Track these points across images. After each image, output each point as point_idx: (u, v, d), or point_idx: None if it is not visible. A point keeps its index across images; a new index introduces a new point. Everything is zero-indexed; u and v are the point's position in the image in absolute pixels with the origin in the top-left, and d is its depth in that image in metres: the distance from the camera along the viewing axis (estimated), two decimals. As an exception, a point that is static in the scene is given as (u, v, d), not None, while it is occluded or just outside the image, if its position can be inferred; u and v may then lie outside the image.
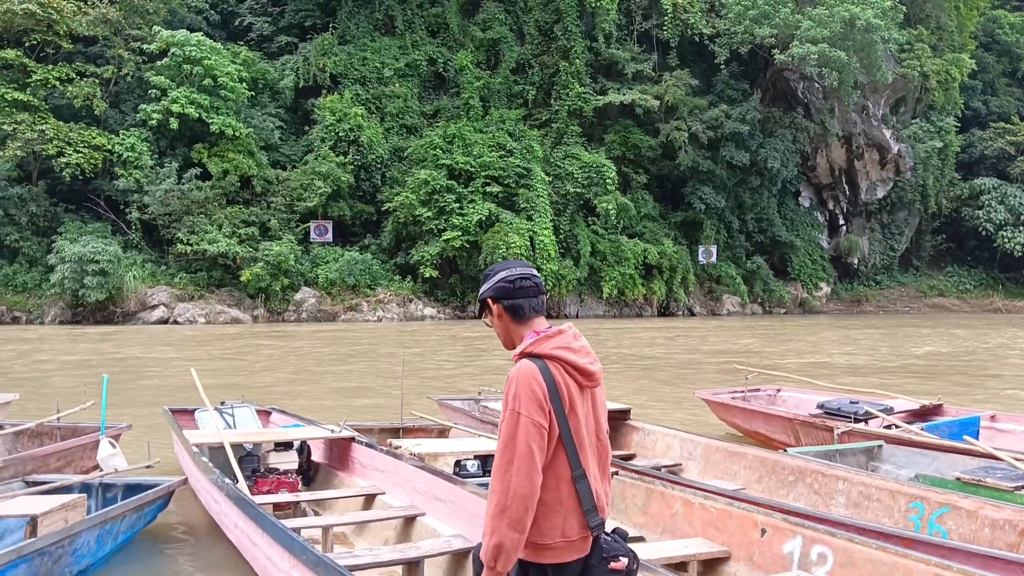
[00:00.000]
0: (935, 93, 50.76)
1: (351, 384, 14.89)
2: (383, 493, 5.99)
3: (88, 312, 32.31)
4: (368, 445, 6.59)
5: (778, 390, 10.18)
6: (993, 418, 8.25)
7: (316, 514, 6.11)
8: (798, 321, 39.38)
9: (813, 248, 49.85)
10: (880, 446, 7.07)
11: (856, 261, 52.23)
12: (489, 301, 2.64)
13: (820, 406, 8.50)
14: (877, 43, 41.22)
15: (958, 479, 5.76)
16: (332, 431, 6.88)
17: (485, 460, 6.12)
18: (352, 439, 6.75)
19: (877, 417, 7.85)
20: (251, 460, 6.66)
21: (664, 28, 43.96)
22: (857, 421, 7.81)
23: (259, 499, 5.59)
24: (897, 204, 52.77)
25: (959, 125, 53.37)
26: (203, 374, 8.44)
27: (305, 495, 6.21)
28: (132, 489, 5.79)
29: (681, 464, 7.15)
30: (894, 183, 51.71)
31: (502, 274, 2.64)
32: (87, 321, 32.07)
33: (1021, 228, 50.56)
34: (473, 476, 5.88)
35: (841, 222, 52.35)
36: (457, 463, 6.19)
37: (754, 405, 9.26)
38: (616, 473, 5.99)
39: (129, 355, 19.93)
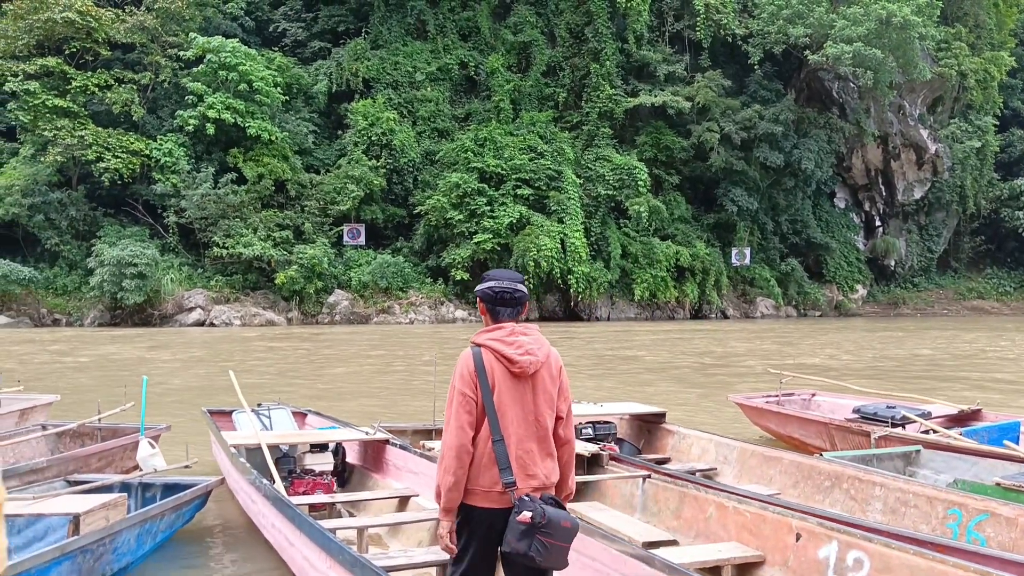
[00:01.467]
0: (973, 92, 49.89)
1: (384, 386, 14.99)
2: (417, 495, 6.02)
3: (126, 314, 32.86)
4: (402, 447, 6.63)
5: (813, 394, 10.07)
6: (1034, 423, 8.09)
7: (351, 515, 6.14)
8: (833, 324, 38.90)
9: (849, 250, 49.21)
10: (918, 451, 6.98)
11: (893, 263, 51.47)
12: (478, 298, 3.39)
13: (856, 410, 8.39)
14: (914, 41, 40.62)
15: (998, 484, 5.67)
16: (366, 433, 6.93)
17: (595, 425, 6.90)
18: (386, 441, 6.79)
19: (914, 422, 7.74)
20: (287, 461, 6.74)
21: (696, 29, 43.71)
22: (894, 426, 7.71)
23: (295, 500, 5.63)
24: (935, 205, 51.92)
25: (998, 124, 52.45)
26: (239, 376, 8.56)
27: (340, 496, 6.26)
28: (170, 489, 5.88)
29: (716, 468, 7.10)
30: (931, 184, 50.89)
31: (492, 283, 3.34)
32: (125, 323, 32.61)
33: (1063, 229, 49.54)
34: None
35: (877, 223, 51.61)
36: None
37: (789, 409, 9.17)
38: (649, 477, 5.99)
39: (167, 357, 20.24)
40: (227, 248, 34.12)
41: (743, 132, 42.24)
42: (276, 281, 34.25)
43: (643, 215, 38.93)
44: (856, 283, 48.82)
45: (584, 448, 6.65)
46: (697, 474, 6.68)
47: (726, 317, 42.86)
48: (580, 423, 7.54)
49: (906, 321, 42.44)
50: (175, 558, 5.51)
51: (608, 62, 42.37)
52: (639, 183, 39.29)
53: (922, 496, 5.66)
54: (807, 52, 41.84)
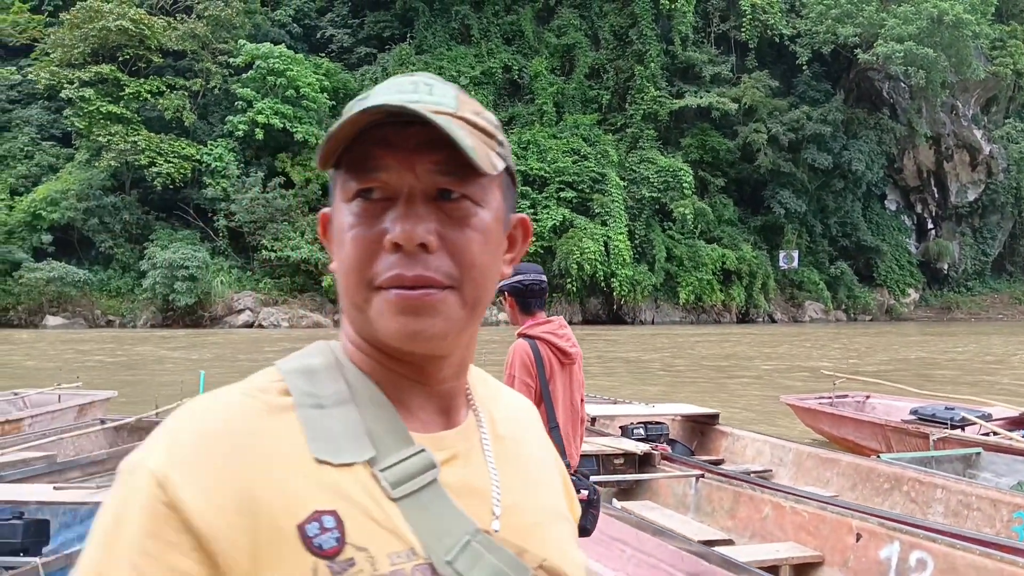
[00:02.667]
0: (1030, 91, 48.68)
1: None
2: None
3: (178, 316, 33.50)
4: None
5: (867, 396, 9.87)
6: (1100, 426, 7.84)
7: None
8: (884, 328, 38.15)
9: (900, 253, 48.26)
10: (978, 453, 6.80)
11: (946, 266, 50.34)
12: (506, 293, 3.40)
13: (914, 412, 8.21)
14: (967, 39, 39.76)
15: (1066, 488, 5.50)
16: None
17: (646, 425, 7.26)
18: None
19: (975, 424, 7.54)
20: None
21: (742, 30, 43.29)
22: (953, 428, 7.52)
23: None
24: (989, 207, 50.69)
25: (1056, 124, 51.04)
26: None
27: None
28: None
29: (771, 470, 6.98)
30: (986, 185, 49.69)
31: (520, 277, 3.39)
32: (176, 325, 33.24)
33: (1125, 231, 48.01)
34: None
35: (930, 226, 50.53)
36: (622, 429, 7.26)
37: (843, 411, 9.00)
38: (702, 476, 5.92)
39: (216, 357, 20.58)
40: (275, 251, 34.63)
41: (791, 133, 41.69)
42: (323, 284, 34.66)
43: (688, 217, 38.63)
44: (908, 287, 47.86)
45: (636, 447, 6.59)
46: (752, 475, 6.58)
47: (774, 321, 42.29)
48: (632, 423, 7.50)
49: (959, 326, 41.46)
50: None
51: (653, 64, 42.14)
52: (684, 185, 38.99)
53: (986, 499, 5.51)
54: (857, 51, 41.17)
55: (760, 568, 4.51)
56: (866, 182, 45.76)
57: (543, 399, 3.26)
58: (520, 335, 3.35)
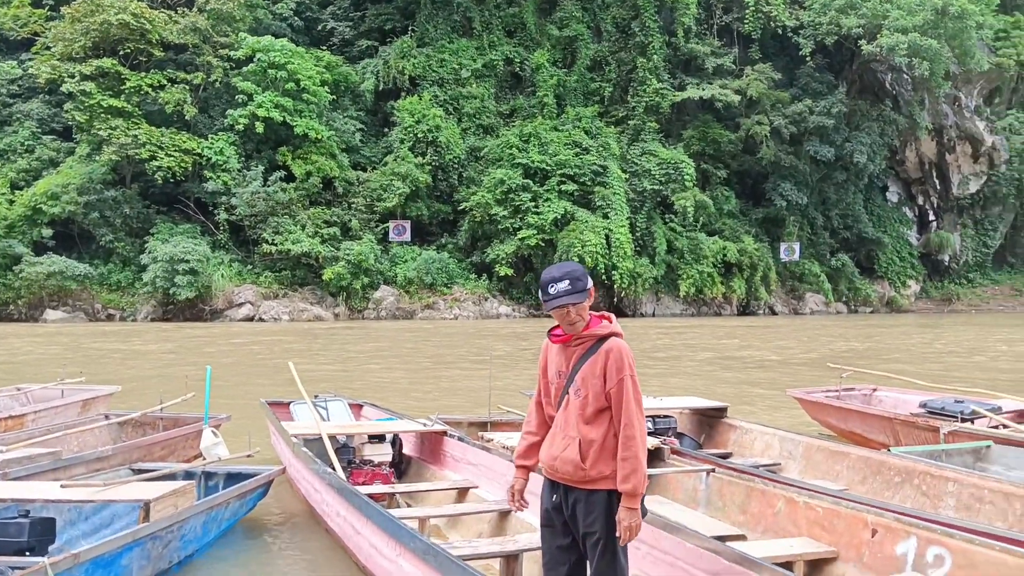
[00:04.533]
0: (1032, 82, 48.46)
1: (434, 378, 15.01)
2: (476, 487, 5.99)
3: (178, 310, 33.46)
4: (460, 439, 6.61)
5: (874, 389, 9.82)
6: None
7: (408, 506, 6.14)
8: (886, 320, 38.10)
9: (901, 245, 48.16)
10: (988, 446, 6.75)
11: (947, 258, 50.24)
12: (593, 289, 3.35)
13: (923, 405, 8.16)
14: (971, 30, 39.62)
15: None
16: (424, 424, 6.93)
17: (654, 419, 7.00)
18: (444, 433, 6.79)
19: (984, 417, 7.49)
20: (346, 452, 6.77)
21: (745, 21, 43.10)
22: (963, 421, 7.47)
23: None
24: (991, 199, 50.54)
25: (1058, 115, 50.82)
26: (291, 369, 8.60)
27: (399, 487, 6.26)
28: (233, 477, 5.92)
29: (780, 464, 6.94)
30: (988, 177, 49.53)
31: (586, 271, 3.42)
32: (177, 318, 33.20)
33: None
34: None
35: (931, 218, 50.42)
36: None
37: (850, 404, 8.95)
38: (713, 470, 5.87)
39: (219, 350, 20.55)
40: (276, 245, 34.56)
41: (793, 126, 41.54)
42: (323, 277, 34.60)
43: (689, 210, 38.53)
44: (909, 279, 47.78)
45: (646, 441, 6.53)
46: (761, 469, 6.53)
47: (774, 313, 42.24)
48: (639, 416, 7.42)
49: (962, 317, 41.40)
50: (238, 546, 5.55)
51: (655, 56, 41.98)
52: (685, 177, 38.88)
53: (998, 492, 5.46)
54: (861, 43, 40.99)
55: (774, 564, 4.47)
56: (868, 174, 45.63)
57: None
58: (615, 334, 3.32)
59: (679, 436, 7.43)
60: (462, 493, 6.05)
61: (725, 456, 7.17)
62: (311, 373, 15.17)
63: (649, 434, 7.09)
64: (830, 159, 42.54)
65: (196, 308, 33.58)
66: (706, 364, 17.96)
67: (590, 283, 3.31)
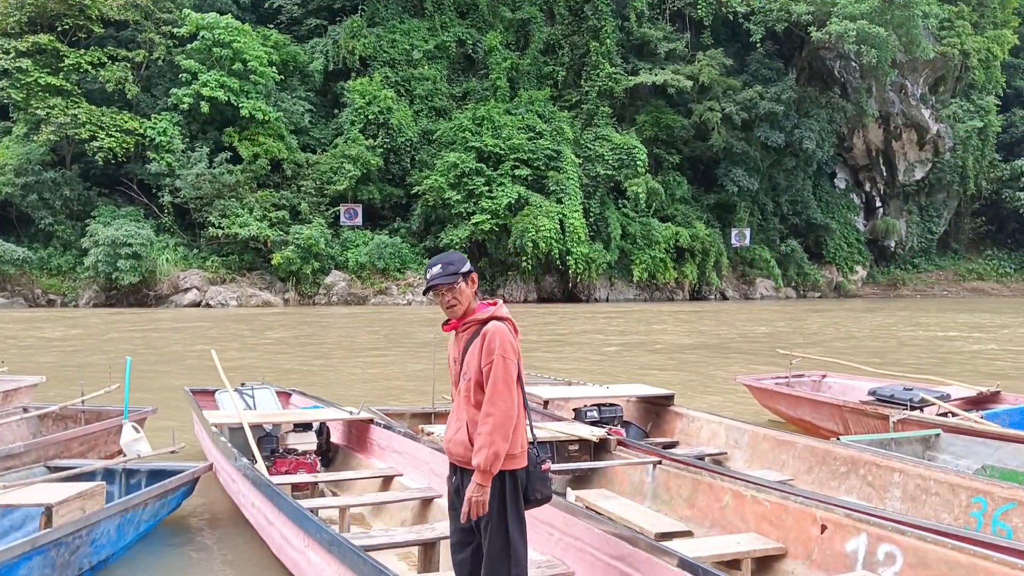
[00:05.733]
0: (976, 71, 49.37)
1: (381, 367, 14.69)
2: (401, 475, 5.91)
3: (122, 295, 32.53)
4: (386, 427, 6.52)
5: (823, 375, 9.78)
6: (1055, 405, 7.79)
7: (334, 495, 6.04)
8: (833, 305, 38.65)
9: (849, 231, 48.90)
10: (937, 435, 6.69)
11: (893, 244, 51.18)
12: (474, 276, 3.43)
13: (872, 392, 8.09)
14: (917, 19, 40.16)
15: (1027, 471, 5.37)
16: (350, 413, 6.82)
17: (600, 407, 7.13)
18: (371, 421, 6.68)
19: (933, 404, 7.44)
20: (270, 441, 6.64)
21: (697, 7, 43.15)
22: (912, 408, 7.42)
23: (277, 479, 5.50)
24: (936, 186, 51.56)
25: (1000, 105, 51.97)
26: (230, 356, 8.28)
27: (323, 476, 6.12)
28: (156, 475, 5.59)
29: (726, 453, 6.81)
30: (932, 164, 50.50)
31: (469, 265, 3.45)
32: (121, 304, 32.28)
33: (1065, 210, 49.19)
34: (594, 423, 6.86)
35: (878, 204, 51.27)
36: (576, 411, 7.14)
37: (800, 391, 8.88)
38: (660, 463, 5.69)
39: (160, 337, 19.93)
40: (223, 228, 33.74)
41: (744, 112, 41.75)
42: (273, 262, 33.90)
43: (641, 196, 38.54)
44: (856, 264, 48.57)
45: (591, 433, 6.36)
46: (707, 459, 6.39)
47: (725, 298, 42.60)
48: (585, 405, 7.29)
49: (906, 302, 42.20)
50: (160, 547, 5.23)
51: (608, 40, 41.81)
52: (638, 163, 38.85)
53: (944, 483, 5.36)
54: (810, 29, 41.31)
55: (721, 561, 4.30)
56: (817, 160, 46.17)
57: (518, 380, 3.30)
58: (495, 318, 3.35)
59: (625, 425, 7.27)
60: (387, 481, 5.96)
61: (671, 445, 7.02)
62: (249, 361, 14.72)
63: (595, 423, 6.92)
64: (780, 145, 42.91)
65: (140, 293, 32.68)
66: (657, 350, 17.90)
67: (466, 268, 3.38)
